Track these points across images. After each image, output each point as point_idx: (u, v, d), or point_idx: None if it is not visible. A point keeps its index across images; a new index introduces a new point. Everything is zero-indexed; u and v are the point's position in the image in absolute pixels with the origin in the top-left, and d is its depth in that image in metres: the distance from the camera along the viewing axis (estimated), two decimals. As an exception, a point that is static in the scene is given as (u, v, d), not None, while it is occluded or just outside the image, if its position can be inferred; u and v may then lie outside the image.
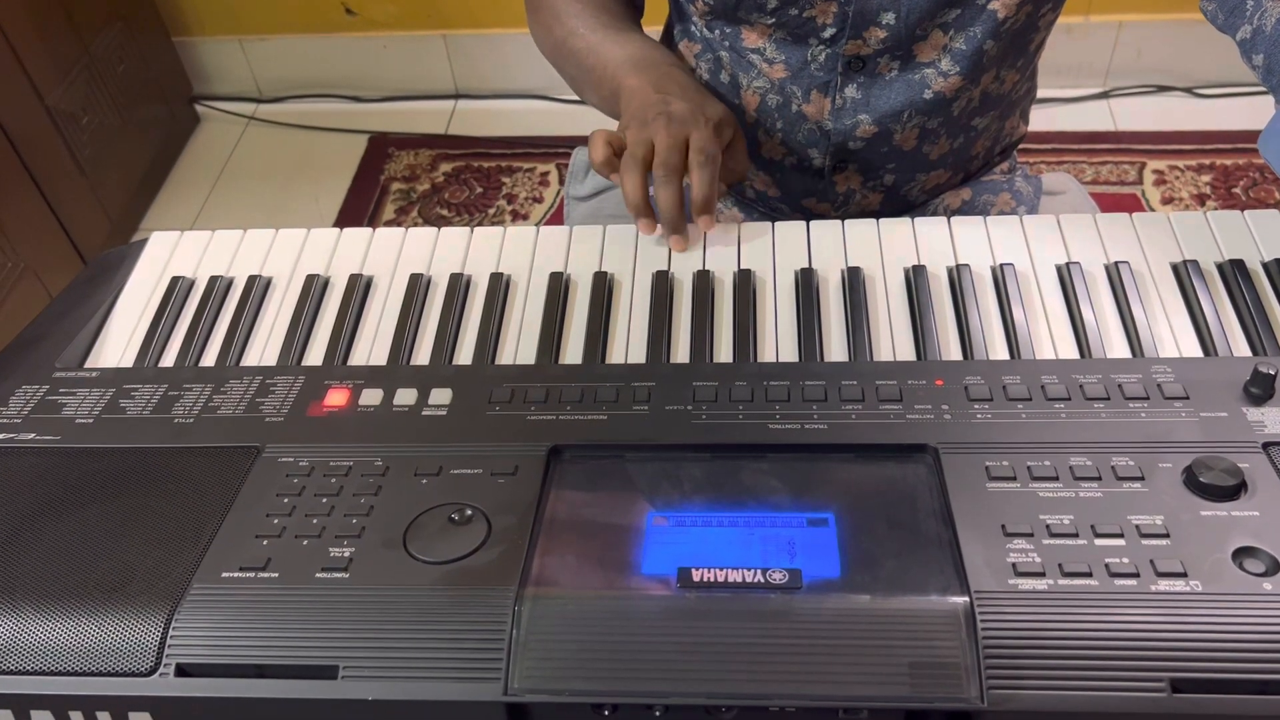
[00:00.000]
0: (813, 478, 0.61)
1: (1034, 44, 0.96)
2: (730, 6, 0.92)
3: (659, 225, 0.81)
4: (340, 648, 0.54)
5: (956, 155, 1.00)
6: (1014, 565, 0.55)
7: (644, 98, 0.86)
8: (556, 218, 2.14)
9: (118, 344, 0.78)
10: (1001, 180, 1.06)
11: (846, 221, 0.82)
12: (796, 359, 0.72)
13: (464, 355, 0.74)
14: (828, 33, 0.90)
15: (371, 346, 0.76)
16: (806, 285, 0.76)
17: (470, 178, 2.26)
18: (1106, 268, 0.76)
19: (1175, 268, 0.76)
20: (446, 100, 2.45)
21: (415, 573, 0.57)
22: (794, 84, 0.94)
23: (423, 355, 0.74)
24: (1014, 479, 0.59)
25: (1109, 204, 2.04)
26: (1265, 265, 0.75)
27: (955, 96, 0.94)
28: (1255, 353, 0.70)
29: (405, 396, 0.68)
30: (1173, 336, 0.71)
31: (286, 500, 0.61)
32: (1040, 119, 2.19)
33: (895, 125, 0.95)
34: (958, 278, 0.76)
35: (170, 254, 0.85)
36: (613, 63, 0.92)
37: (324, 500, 0.61)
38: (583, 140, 1.12)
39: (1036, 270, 0.77)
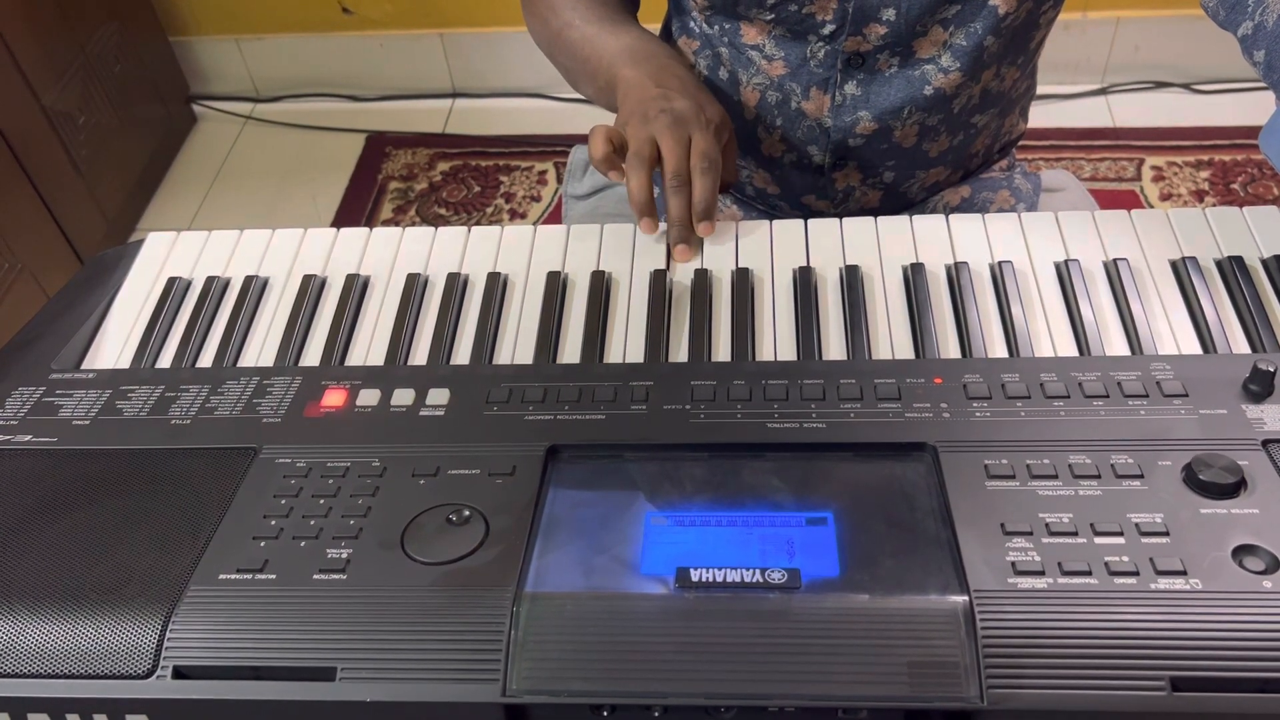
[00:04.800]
0: (811, 477, 0.61)
1: (1034, 41, 0.96)
2: (730, 2, 0.92)
3: (662, 229, 0.81)
4: (338, 649, 0.54)
5: (956, 153, 1.00)
6: (1013, 564, 0.55)
7: (643, 92, 0.85)
8: (554, 217, 2.14)
9: (114, 345, 0.78)
10: (1001, 177, 1.06)
11: (844, 220, 0.81)
12: (795, 358, 0.71)
13: (461, 355, 0.74)
14: (827, 29, 0.90)
15: (369, 347, 0.75)
16: (805, 284, 0.76)
17: (468, 177, 2.26)
18: (1105, 265, 0.76)
19: (1174, 265, 0.76)
20: (444, 99, 2.45)
21: (413, 574, 0.57)
22: (793, 81, 0.94)
23: (420, 355, 0.74)
24: (1013, 477, 0.59)
25: (1107, 200, 2.04)
26: (1264, 262, 0.75)
27: (955, 93, 0.93)
28: (1254, 350, 0.69)
29: (403, 397, 0.68)
30: (1172, 334, 0.71)
31: (284, 501, 0.61)
32: (1038, 115, 2.17)
33: (895, 122, 0.94)
34: (956, 276, 0.76)
35: (167, 254, 0.84)
36: (609, 53, 0.92)
37: (321, 501, 0.61)
38: (581, 139, 1.11)
39: (1035, 268, 0.76)
